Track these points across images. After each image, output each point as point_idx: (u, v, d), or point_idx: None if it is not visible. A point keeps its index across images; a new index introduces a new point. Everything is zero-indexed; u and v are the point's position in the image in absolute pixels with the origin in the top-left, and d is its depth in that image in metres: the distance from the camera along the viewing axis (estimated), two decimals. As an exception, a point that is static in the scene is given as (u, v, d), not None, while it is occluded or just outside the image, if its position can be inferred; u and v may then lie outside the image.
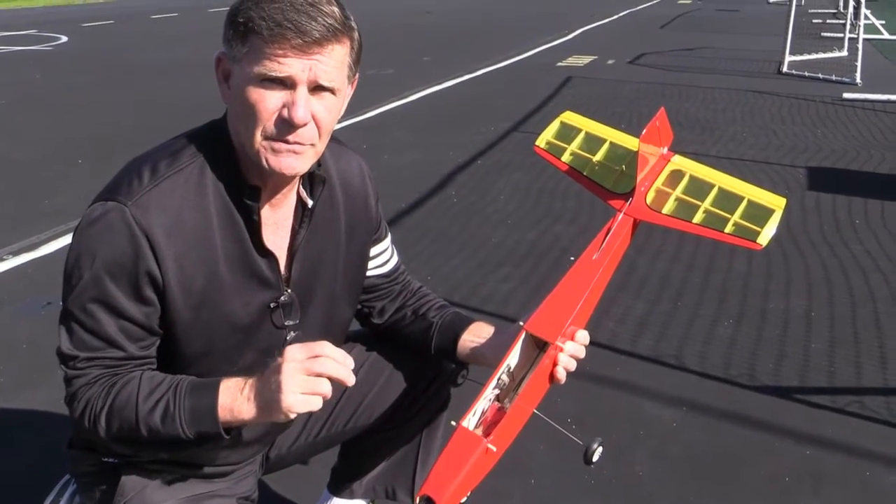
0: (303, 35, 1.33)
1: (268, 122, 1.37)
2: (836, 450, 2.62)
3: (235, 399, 1.38)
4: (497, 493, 2.37)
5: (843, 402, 2.89)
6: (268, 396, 1.34)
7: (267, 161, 1.40)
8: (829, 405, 2.87)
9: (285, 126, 1.38)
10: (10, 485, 2.44)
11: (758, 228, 1.61)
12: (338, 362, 1.35)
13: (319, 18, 1.34)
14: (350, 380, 1.36)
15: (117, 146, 6.40)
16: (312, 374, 1.34)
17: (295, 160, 1.41)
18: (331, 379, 1.35)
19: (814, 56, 10.82)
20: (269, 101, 1.36)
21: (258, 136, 1.39)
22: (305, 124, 1.38)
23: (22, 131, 7.37)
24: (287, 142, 1.39)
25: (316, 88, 1.38)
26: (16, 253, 4.34)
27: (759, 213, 1.63)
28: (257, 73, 1.35)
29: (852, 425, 2.75)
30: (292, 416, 1.34)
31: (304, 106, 1.37)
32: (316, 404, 1.34)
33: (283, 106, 1.37)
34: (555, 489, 2.45)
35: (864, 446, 2.63)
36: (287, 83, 1.36)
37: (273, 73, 1.34)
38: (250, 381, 1.39)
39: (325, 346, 1.36)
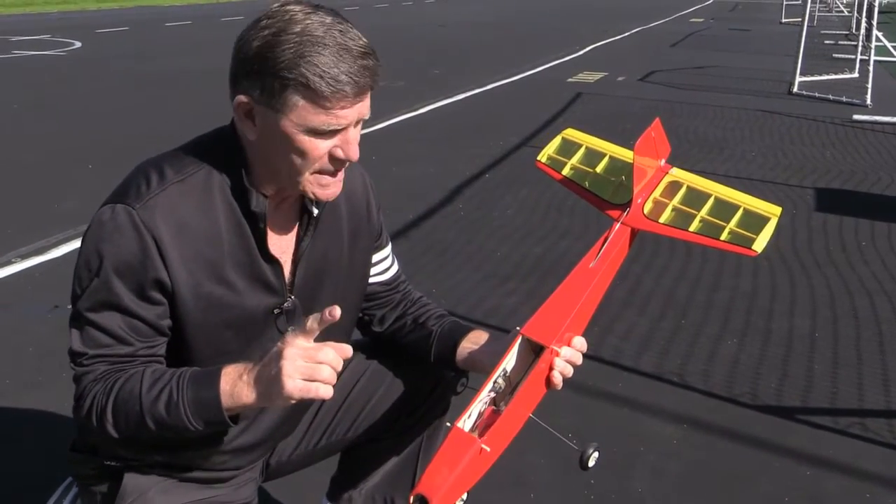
0: (359, 87, 1.39)
1: (319, 161, 1.43)
2: (836, 471, 2.62)
3: (235, 385, 1.39)
4: (496, 505, 2.37)
5: (844, 423, 2.89)
6: (268, 381, 1.36)
7: (314, 193, 1.48)
8: (830, 426, 2.87)
9: (338, 163, 1.45)
10: (15, 487, 2.45)
11: (753, 236, 1.63)
12: (338, 353, 1.37)
13: (369, 64, 1.40)
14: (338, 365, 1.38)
15: (127, 152, 6.40)
16: (314, 361, 1.34)
17: (338, 189, 1.50)
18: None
19: (825, 77, 10.84)
20: (322, 147, 1.42)
21: (307, 174, 1.45)
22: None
23: (33, 136, 7.42)
24: (335, 175, 1.47)
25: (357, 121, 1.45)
26: (24, 256, 4.37)
27: (754, 221, 1.65)
28: (313, 127, 1.39)
29: (854, 447, 2.75)
30: (292, 401, 1.35)
31: (357, 144, 1.45)
32: (316, 391, 1.34)
33: (336, 146, 1.43)
34: (555, 503, 2.45)
35: (865, 468, 2.63)
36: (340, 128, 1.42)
37: (333, 127, 1.40)
38: (250, 366, 1.40)
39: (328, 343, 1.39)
